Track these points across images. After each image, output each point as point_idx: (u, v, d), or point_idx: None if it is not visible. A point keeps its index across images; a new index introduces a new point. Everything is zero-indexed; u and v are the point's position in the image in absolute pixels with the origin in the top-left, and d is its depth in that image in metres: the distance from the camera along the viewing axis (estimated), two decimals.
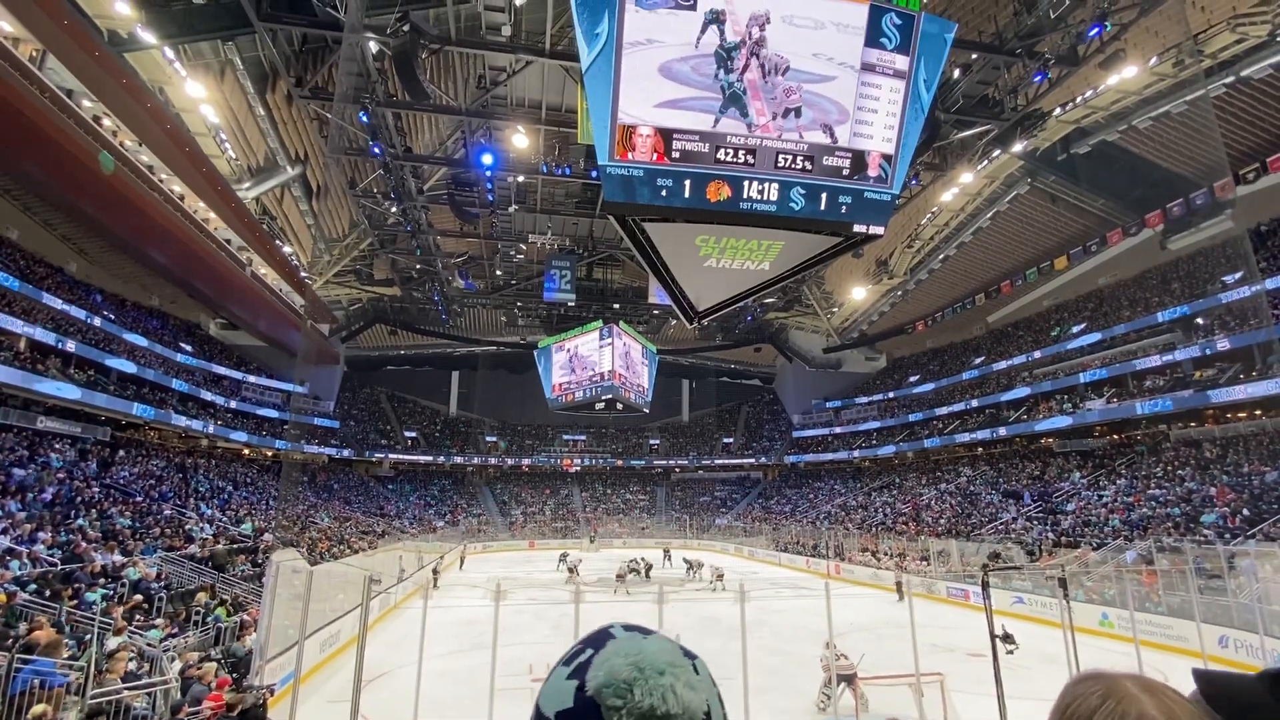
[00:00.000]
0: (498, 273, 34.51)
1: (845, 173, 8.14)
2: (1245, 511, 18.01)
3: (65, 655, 7.74)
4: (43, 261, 25.54)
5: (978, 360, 36.95)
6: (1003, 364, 34.28)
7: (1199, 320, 24.70)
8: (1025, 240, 30.96)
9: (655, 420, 51.18)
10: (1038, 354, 32.19)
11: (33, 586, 10.69)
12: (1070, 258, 29.03)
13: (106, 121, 19.11)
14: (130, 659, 8.56)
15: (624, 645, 0.58)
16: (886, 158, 8.19)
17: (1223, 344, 22.65)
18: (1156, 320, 26.38)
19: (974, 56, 18.26)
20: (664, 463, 51.40)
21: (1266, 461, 19.78)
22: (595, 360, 31.52)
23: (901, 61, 7.84)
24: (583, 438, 52.00)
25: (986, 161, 23.05)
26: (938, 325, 38.78)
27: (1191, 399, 22.81)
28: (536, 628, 15.42)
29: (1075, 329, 31.20)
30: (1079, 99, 19.74)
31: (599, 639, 0.62)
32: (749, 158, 7.87)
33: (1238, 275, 23.75)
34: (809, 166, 8.01)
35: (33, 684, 6.76)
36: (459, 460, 47.71)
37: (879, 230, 8.54)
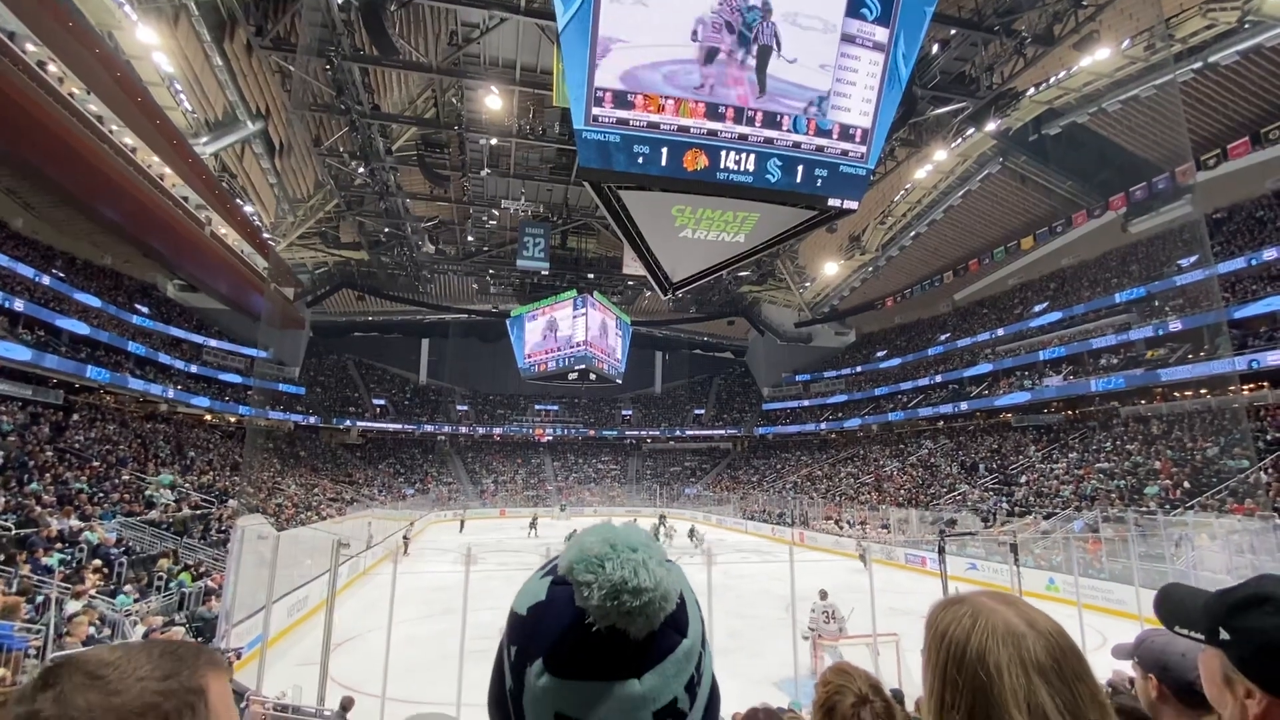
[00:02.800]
0: (469, 239, 33.82)
1: (821, 146, 8.14)
2: (1186, 484, 19.01)
3: (23, 618, 7.59)
4: None
5: (943, 337, 37.82)
6: (967, 341, 35.17)
7: (1155, 302, 25.61)
8: (994, 220, 31.52)
9: (628, 391, 51.37)
10: (1001, 331, 33.10)
11: None
12: (1036, 238, 29.70)
13: (52, 68, 17.96)
14: (91, 625, 8.43)
15: (597, 529, 0.59)
16: (864, 131, 8.21)
17: (1175, 325, 23.56)
18: (1114, 301, 27.27)
19: (952, 32, 18.26)
20: (636, 433, 51.80)
21: (1208, 437, 20.83)
22: (569, 330, 31.39)
23: (881, 33, 7.81)
24: (555, 408, 52.00)
25: (960, 139, 23.25)
26: (907, 302, 39.48)
27: (1142, 377, 23.77)
28: (507, 592, 15.59)
29: (1037, 308, 32.08)
30: (1052, 79, 19.96)
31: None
32: (727, 126, 7.81)
33: (1193, 259, 24.60)
34: (786, 138, 7.99)
35: None
36: (429, 429, 47.33)
37: (853, 205, 8.61)
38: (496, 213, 29.59)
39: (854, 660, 9.04)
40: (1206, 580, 12.58)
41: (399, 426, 46.21)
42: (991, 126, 21.86)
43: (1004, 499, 24.11)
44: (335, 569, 8.81)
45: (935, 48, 18.82)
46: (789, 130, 7.97)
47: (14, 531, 11.94)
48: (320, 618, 10.08)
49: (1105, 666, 2.89)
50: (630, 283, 36.36)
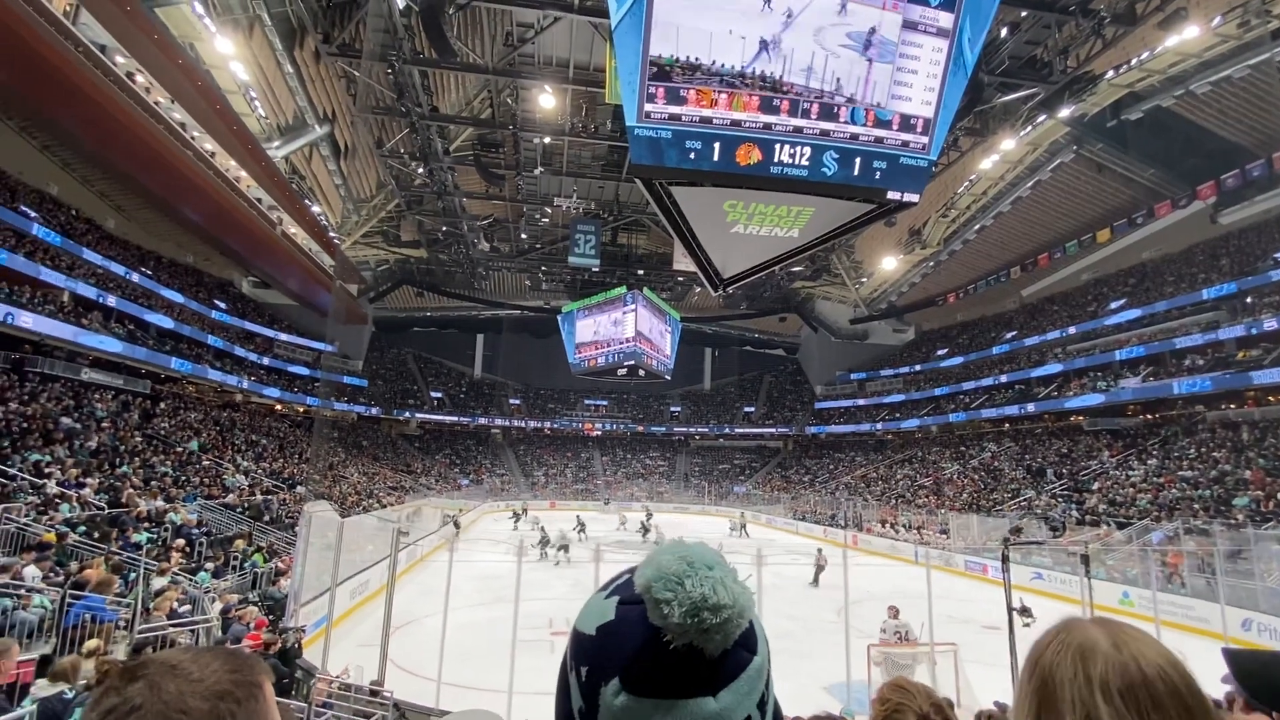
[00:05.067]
0: (523, 236, 34.41)
1: (880, 137, 7.88)
2: None
3: (114, 593, 8.20)
4: (83, 217, 26.19)
5: (1009, 335, 36.12)
6: (1035, 339, 33.48)
7: (1248, 298, 23.69)
8: (1067, 211, 29.79)
9: (677, 387, 51.29)
10: (1072, 330, 31.32)
11: (82, 528, 11.27)
12: (1114, 230, 27.91)
13: (140, 78, 19.27)
14: (174, 600, 9.03)
15: (671, 548, 0.58)
16: (925, 121, 7.90)
17: (1270, 323, 21.74)
18: (1201, 297, 25.38)
19: (1023, 14, 17.33)
20: (684, 430, 51.67)
21: None
22: (618, 326, 31.56)
23: (946, 19, 7.49)
24: (604, 403, 52.44)
25: (1030, 127, 22.08)
26: (969, 298, 37.86)
27: (1232, 379, 22.05)
28: (555, 585, 15.87)
29: (1114, 305, 30.21)
30: (1133, 61, 18.68)
31: (635, 567, 0.62)
32: (781, 119, 7.65)
33: None
34: (843, 130, 7.77)
35: (85, 619, 7.19)
36: (483, 421, 48.57)
37: (914, 197, 8.31)
38: (549, 210, 30.00)
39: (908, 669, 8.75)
40: None
41: (455, 419, 47.60)
42: (1065, 113, 20.65)
43: (1074, 506, 22.84)
44: (395, 555, 9.15)
45: (1004, 31, 17.91)
46: (846, 121, 7.75)
47: (107, 511, 12.91)
48: (380, 601, 10.50)
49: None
50: (680, 279, 36.22)
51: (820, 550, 18.76)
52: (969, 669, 8.55)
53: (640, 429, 51.13)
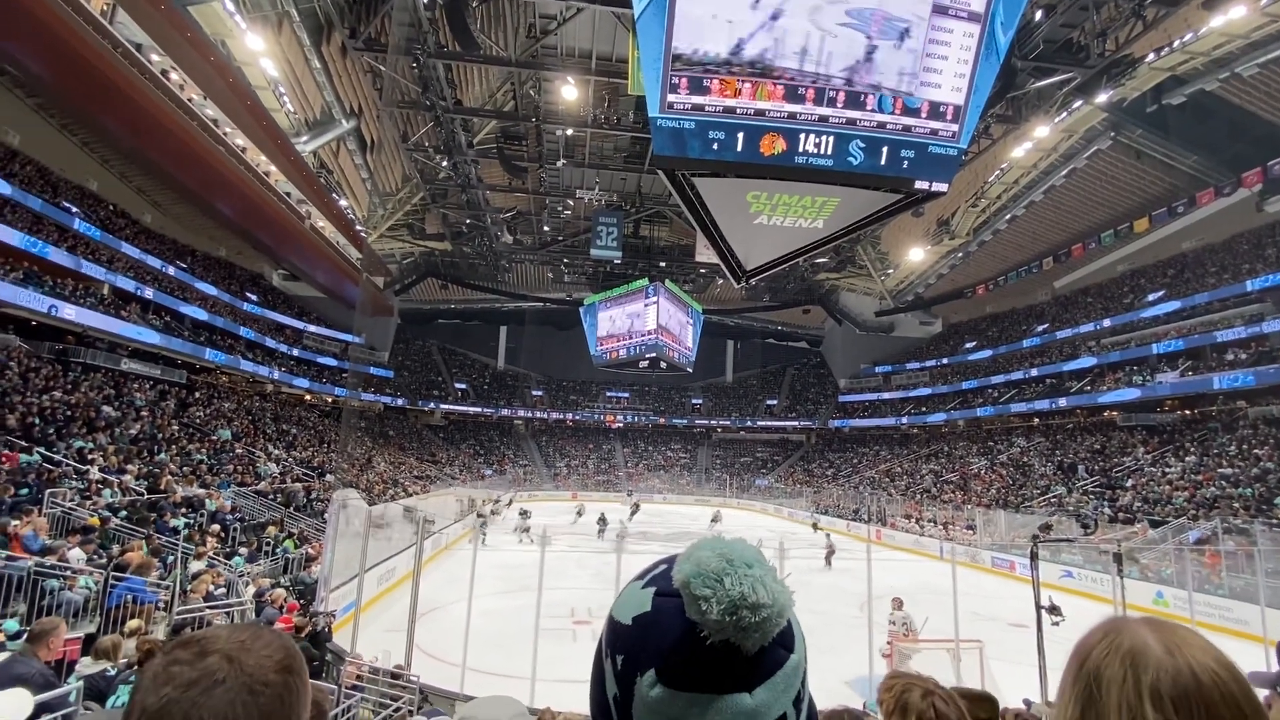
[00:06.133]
0: (545, 229, 34.55)
1: (908, 126, 7.72)
2: None
3: (154, 575, 8.49)
4: (121, 212, 26.98)
5: (1041, 327, 35.27)
6: (1068, 332, 32.65)
7: None
8: (1103, 200, 28.89)
9: (698, 380, 51.16)
10: (1107, 322, 30.46)
11: (123, 513, 11.69)
12: (1152, 219, 26.98)
13: (174, 75, 19.72)
14: (210, 584, 9.33)
15: (710, 543, 0.58)
16: (955, 109, 7.72)
17: None
18: (1245, 289, 24.46)
19: None
20: (706, 422, 51.57)
21: None
22: (640, 318, 31.55)
23: (978, 2, 7.29)
24: (626, 395, 52.56)
25: (1065, 113, 21.42)
26: (1000, 290, 37.01)
27: (1277, 374, 21.26)
28: (578, 575, 16.00)
29: (1151, 297, 29.28)
30: (1176, 43, 17.97)
31: (671, 557, 0.62)
32: (806, 108, 7.53)
33: None
34: (870, 118, 7.62)
35: (126, 599, 7.47)
36: (506, 413, 49.08)
37: (942, 187, 8.14)
38: (571, 202, 30.06)
39: (934, 665, 8.68)
40: None
41: (479, 410, 48.18)
42: (1103, 98, 20.00)
43: (1106, 504, 22.29)
44: (421, 543, 9.32)
45: (1039, 14, 17.36)
46: (873, 110, 7.60)
47: (146, 496, 13.36)
48: (407, 588, 10.71)
49: None
50: (702, 271, 36.06)
51: (829, 535, 19.20)
52: (994, 666, 8.43)
53: (662, 421, 51.17)
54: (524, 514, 23.69)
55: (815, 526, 28.31)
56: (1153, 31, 17.38)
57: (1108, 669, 0.65)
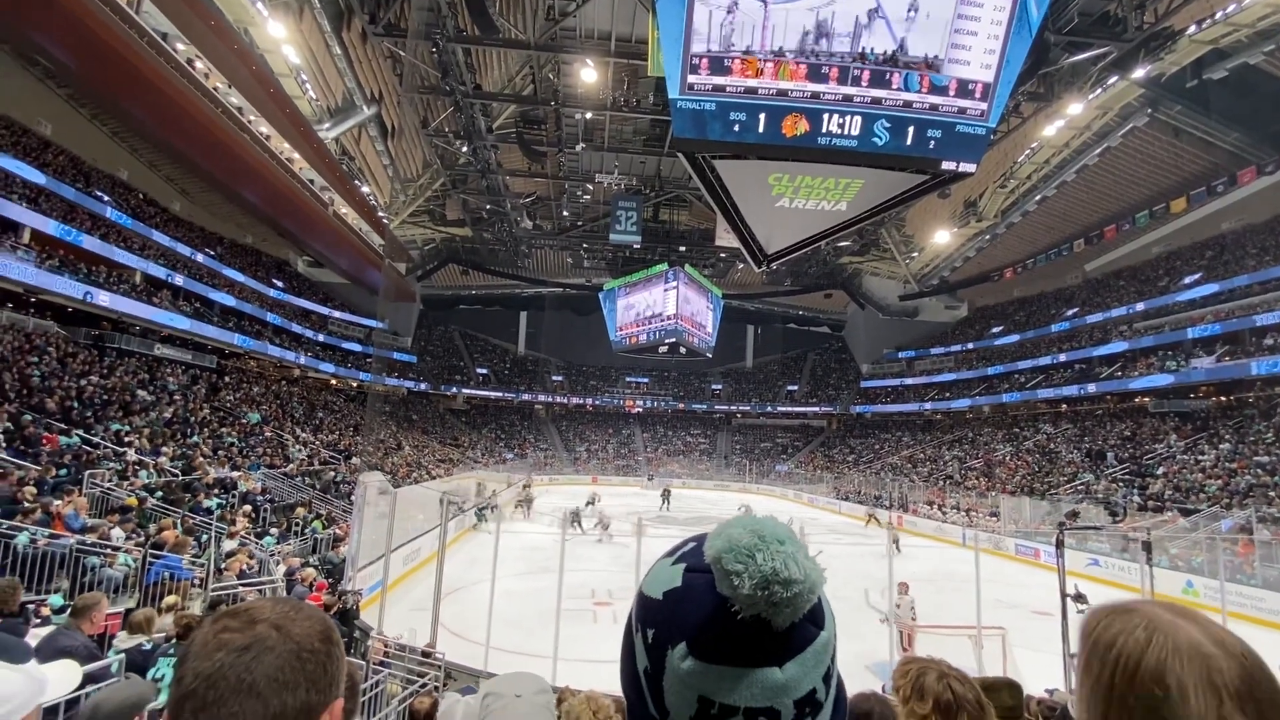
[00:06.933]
0: (564, 214, 34.51)
1: (936, 104, 7.52)
2: None
3: (189, 554, 8.77)
4: (150, 200, 27.54)
5: (1070, 311, 34.42)
6: (1098, 316, 31.82)
7: None
8: (1138, 180, 27.95)
9: (718, 365, 51.00)
10: (1140, 306, 29.61)
11: (159, 493, 12.07)
12: (1190, 199, 26.05)
13: (199, 64, 19.97)
14: (243, 563, 9.61)
15: (742, 520, 0.59)
16: (985, 86, 7.50)
17: None
18: None
19: None
20: (726, 408, 51.47)
21: None
22: (659, 304, 31.47)
23: None
24: (645, 380, 52.63)
25: (1100, 90, 20.67)
26: (1028, 273, 36.15)
27: None
28: (598, 558, 16.19)
29: (1188, 279, 28.37)
30: (1218, 15, 17.22)
31: (701, 536, 0.63)
32: (830, 87, 7.38)
33: None
34: (896, 97, 7.45)
35: (164, 576, 7.74)
36: (526, 397, 49.52)
37: (970, 167, 7.94)
38: (590, 187, 29.94)
39: (954, 652, 8.64)
40: None
41: (500, 394, 48.67)
42: (1140, 73, 19.25)
43: (1136, 491, 21.85)
44: (445, 524, 9.49)
45: None
46: (899, 89, 7.42)
47: (181, 478, 13.78)
48: (431, 568, 10.92)
49: None
50: (723, 255, 35.76)
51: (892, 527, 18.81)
52: (1017, 654, 8.36)
53: (681, 406, 51.19)
54: (592, 503, 22.94)
55: (872, 520, 25.61)
56: (1193, 3, 16.67)
57: (1172, 672, 0.60)
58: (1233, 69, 19.69)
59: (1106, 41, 18.03)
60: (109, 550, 8.20)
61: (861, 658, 9.35)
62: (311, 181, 27.89)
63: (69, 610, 4.16)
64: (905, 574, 10.19)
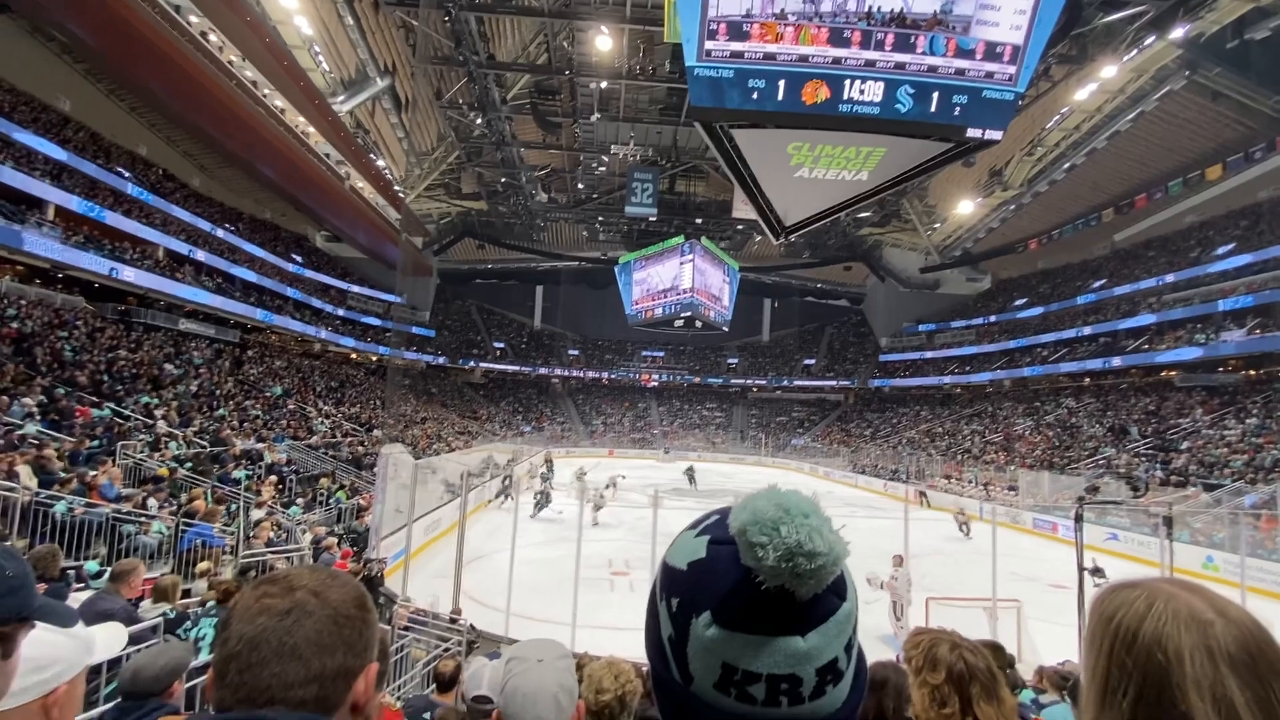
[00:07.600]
0: (580, 186, 34.22)
1: (962, 69, 7.28)
2: None
3: (220, 523, 9.06)
4: (170, 176, 27.77)
5: (1097, 283, 33.63)
6: (1126, 288, 31.06)
7: None
8: (1173, 146, 26.92)
9: (734, 339, 50.78)
10: (1170, 278, 28.80)
11: (189, 464, 12.42)
12: (1227, 166, 25.07)
13: (213, 37, 19.90)
14: (270, 531, 9.90)
15: (766, 493, 0.60)
16: (1014, 49, 7.24)
17: None
18: None
19: None
20: (742, 382, 51.39)
21: None
22: (675, 277, 31.29)
23: None
24: (661, 354, 52.64)
25: (1136, 51, 19.82)
26: (1054, 243, 35.25)
27: None
28: (614, 528, 16.43)
29: (1221, 250, 27.50)
30: None
31: (725, 509, 0.64)
32: (852, 52, 7.17)
33: None
34: (920, 61, 7.22)
35: (196, 544, 8.01)
36: (543, 371, 49.85)
37: (996, 135, 7.72)
38: (606, 158, 29.60)
39: (969, 624, 8.70)
40: None
41: (516, 368, 49.04)
42: (1178, 33, 18.39)
43: (1159, 466, 21.56)
44: (465, 495, 9.67)
45: None
46: (924, 52, 7.18)
47: (209, 449, 14.15)
48: (453, 537, 11.18)
49: None
50: (740, 227, 35.32)
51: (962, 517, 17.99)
52: (1033, 626, 8.40)
53: (697, 380, 51.21)
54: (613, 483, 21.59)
55: (923, 500, 23.30)
56: None
57: (1170, 639, 0.62)
58: (1276, 28, 18.73)
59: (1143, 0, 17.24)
60: (144, 519, 8.49)
61: (874, 630, 9.46)
62: (327, 155, 27.90)
63: (108, 575, 4.33)
64: (920, 547, 10.21)
